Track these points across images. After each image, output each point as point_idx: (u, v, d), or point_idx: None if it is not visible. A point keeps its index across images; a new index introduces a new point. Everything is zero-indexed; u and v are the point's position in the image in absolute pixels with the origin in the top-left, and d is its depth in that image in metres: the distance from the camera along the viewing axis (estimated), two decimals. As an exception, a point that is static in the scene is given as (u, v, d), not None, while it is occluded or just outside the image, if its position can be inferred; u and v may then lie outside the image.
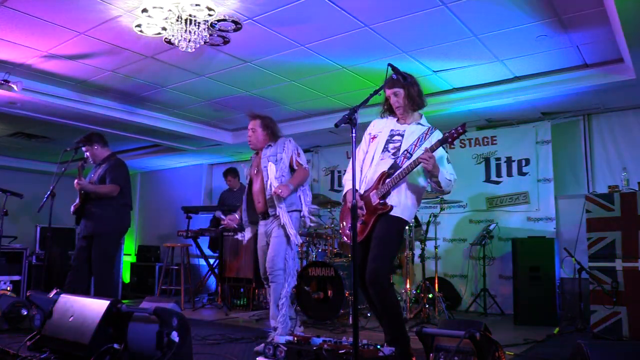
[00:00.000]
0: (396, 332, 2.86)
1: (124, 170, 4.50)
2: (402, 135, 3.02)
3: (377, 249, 2.85)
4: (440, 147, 2.86)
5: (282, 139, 3.85)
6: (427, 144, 2.91)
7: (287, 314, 3.57)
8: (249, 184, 3.93)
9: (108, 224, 4.31)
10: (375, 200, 2.92)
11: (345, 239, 3.13)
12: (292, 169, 3.76)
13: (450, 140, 2.75)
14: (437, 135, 2.96)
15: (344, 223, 3.18)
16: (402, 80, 2.94)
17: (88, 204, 4.36)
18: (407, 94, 3.00)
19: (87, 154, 4.54)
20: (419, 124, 3.08)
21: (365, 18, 3.81)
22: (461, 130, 2.73)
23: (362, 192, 3.01)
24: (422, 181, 3.00)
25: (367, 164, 3.07)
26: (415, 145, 2.96)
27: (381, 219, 2.90)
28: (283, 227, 3.62)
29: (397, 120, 3.12)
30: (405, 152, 2.96)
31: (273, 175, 3.64)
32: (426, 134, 2.98)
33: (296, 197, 3.73)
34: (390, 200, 2.90)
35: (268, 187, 3.66)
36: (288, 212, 3.63)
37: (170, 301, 2.82)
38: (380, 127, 3.16)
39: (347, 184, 3.02)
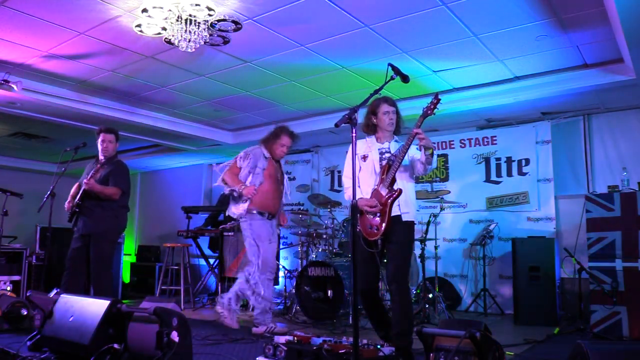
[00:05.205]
0: (406, 327, 3.00)
1: (128, 174, 4.51)
2: (390, 152, 3.26)
3: (397, 250, 3.12)
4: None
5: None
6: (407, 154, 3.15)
7: None
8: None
9: (105, 224, 4.30)
10: (384, 191, 3.09)
11: (366, 235, 3.19)
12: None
13: (429, 112, 3.03)
14: (413, 148, 3.18)
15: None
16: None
17: (87, 202, 4.35)
18: (399, 114, 3.29)
19: (107, 146, 4.43)
20: (396, 141, 3.33)
21: (365, 18, 3.81)
22: (435, 101, 3.00)
23: (368, 196, 3.18)
24: (413, 183, 3.30)
25: (369, 179, 3.22)
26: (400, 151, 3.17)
27: (397, 226, 3.11)
28: None
29: (377, 140, 3.32)
30: (393, 156, 3.19)
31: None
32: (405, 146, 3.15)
33: None
34: (402, 208, 3.13)
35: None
36: None
37: (170, 301, 2.82)
38: (364, 148, 3.30)
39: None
